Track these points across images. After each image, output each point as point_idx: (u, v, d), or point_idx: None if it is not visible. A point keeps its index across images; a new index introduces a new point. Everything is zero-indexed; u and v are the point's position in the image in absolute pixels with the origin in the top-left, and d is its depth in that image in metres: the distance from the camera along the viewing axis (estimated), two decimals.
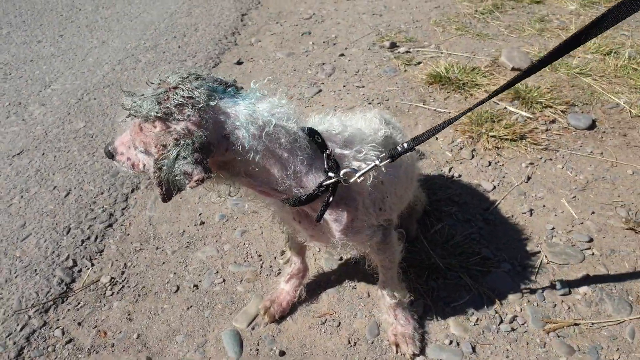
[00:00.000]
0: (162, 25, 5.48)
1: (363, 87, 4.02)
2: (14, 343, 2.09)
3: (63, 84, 4.26)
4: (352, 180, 1.46)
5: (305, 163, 1.44)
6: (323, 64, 4.45)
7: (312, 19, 5.50)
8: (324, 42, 4.89)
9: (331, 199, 1.47)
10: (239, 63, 4.58)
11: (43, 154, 3.32)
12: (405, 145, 1.52)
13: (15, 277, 2.39)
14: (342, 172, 1.44)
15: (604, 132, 3.32)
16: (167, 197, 1.32)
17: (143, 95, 1.29)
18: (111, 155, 1.51)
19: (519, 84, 3.72)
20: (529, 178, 2.94)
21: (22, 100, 4.03)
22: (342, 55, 4.59)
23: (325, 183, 1.44)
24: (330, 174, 1.43)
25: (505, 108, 3.57)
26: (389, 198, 1.74)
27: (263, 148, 1.35)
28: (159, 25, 5.46)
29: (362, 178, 1.48)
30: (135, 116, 1.31)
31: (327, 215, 1.57)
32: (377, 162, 1.48)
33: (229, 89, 1.38)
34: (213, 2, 6.15)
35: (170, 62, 4.62)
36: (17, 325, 2.16)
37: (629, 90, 3.72)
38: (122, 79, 4.33)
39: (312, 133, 1.46)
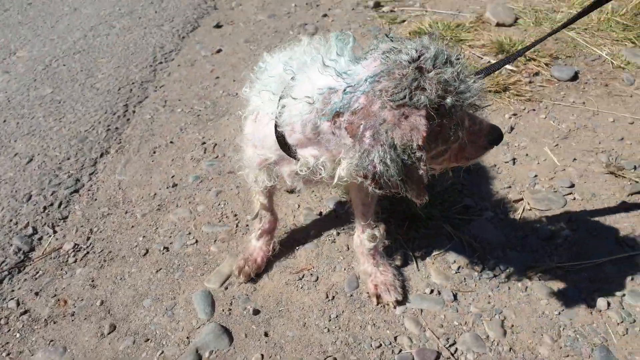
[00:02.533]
0: None
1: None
2: None
3: (30, 51, 4.06)
4: None
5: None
6: (305, 24, 4.29)
7: None
8: (306, 3, 4.72)
9: None
10: (218, 26, 4.40)
11: (4, 120, 3.15)
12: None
13: None
14: None
15: (587, 83, 3.25)
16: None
17: (424, 78, 1.17)
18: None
19: (502, 38, 3.63)
20: (512, 128, 2.86)
21: None
22: (325, 15, 4.43)
23: None
24: None
25: (489, 62, 3.47)
26: None
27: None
28: None
29: None
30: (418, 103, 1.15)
31: None
32: None
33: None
34: None
35: (146, 28, 4.42)
36: None
37: (611, 42, 3.65)
38: (95, 45, 4.14)
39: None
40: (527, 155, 2.66)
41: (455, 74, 1.18)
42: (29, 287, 2.08)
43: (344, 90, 1.22)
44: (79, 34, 4.35)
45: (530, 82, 3.29)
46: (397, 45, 1.25)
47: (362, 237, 1.94)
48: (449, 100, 1.16)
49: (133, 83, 3.58)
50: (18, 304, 2.00)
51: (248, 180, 1.81)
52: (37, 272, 2.14)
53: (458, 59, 1.22)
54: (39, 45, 4.17)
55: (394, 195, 1.27)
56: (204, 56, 3.95)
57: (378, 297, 1.90)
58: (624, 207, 2.26)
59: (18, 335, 1.88)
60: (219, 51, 3.96)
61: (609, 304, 1.83)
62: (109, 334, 1.86)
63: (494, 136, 1.39)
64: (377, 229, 1.91)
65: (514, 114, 2.98)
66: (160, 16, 4.62)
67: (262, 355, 1.74)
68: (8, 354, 1.81)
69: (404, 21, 4.22)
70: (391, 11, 4.44)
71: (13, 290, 2.06)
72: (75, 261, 2.19)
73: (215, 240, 2.26)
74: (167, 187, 2.60)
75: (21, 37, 4.33)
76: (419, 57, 1.19)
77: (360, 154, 1.19)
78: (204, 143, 2.93)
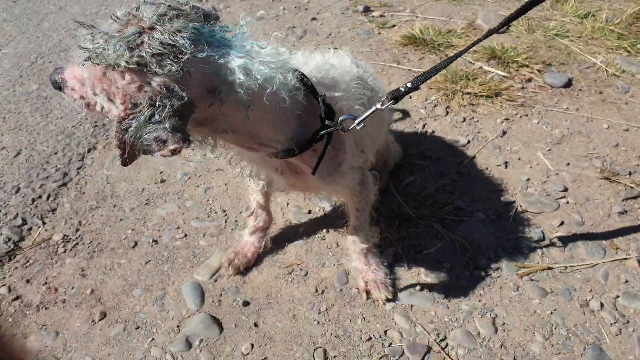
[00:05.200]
0: None
1: (335, 49, 3.87)
2: None
3: (15, 48, 4.02)
4: (351, 127, 1.36)
5: (301, 114, 1.32)
6: (294, 27, 4.29)
7: None
8: (295, 7, 4.73)
9: (327, 148, 1.38)
10: None
11: None
12: (409, 84, 1.42)
13: None
14: (340, 118, 1.34)
15: (580, 89, 3.27)
16: (128, 160, 1.08)
17: (108, 35, 1.02)
18: (58, 87, 1.21)
19: (494, 44, 3.66)
20: (504, 133, 2.87)
21: None
22: (314, 19, 4.44)
23: (322, 133, 1.33)
24: (328, 122, 1.32)
25: (481, 68, 3.49)
26: (366, 138, 1.67)
27: (258, 104, 1.15)
28: None
29: (363, 125, 1.38)
30: (96, 63, 1.02)
31: (313, 164, 1.46)
32: (379, 106, 1.38)
33: (216, 30, 1.13)
34: None
35: None
36: None
37: (605, 50, 3.68)
38: None
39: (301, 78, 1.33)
40: (519, 159, 2.66)
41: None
42: (20, 274, 2.06)
43: None
44: (64, 32, 4.33)
45: (522, 88, 3.30)
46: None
47: (354, 237, 1.92)
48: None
49: None
50: (10, 290, 1.99)
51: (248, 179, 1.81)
52: (28, 261, 2.12)
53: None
54: (24, 42, 4.14)
55: None
56: None
57: (368, 292, 1.88)
58: (618, 212, 2.26)
59: (11, 319, 1.87)
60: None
61: (602, 305, 1.82)
62: (99, 320, 1.85)
63: None
64: (370, 232, 1.91)
65: (506, 119, 2.98)
66: None
67: (252, 345, 1.71)
68: (1, 337, 1.79)
69: (394, 26, 4.23)
70: (381, 16, 4.45)
71: (4, 277, 2.04)
72: (64, 251, 2.16)
73: (204, 235, 2.23)
74: (156, 183, 2.57)
75: (6, 34, 4.30)
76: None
77: None
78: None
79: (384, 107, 1.38)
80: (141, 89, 1.02)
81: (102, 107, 1.15)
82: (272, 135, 1.30)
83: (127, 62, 0.99)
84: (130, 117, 1.02)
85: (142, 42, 1.00)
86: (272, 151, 1.37)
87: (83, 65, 1.07)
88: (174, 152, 1.03)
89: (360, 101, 1.55)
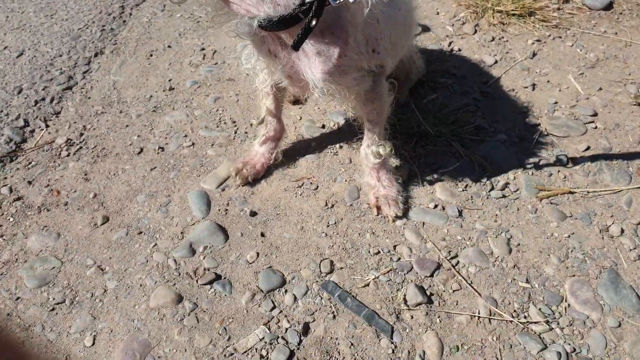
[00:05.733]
0: None
1: None
2: None
3: None
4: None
5: None
6: None
7: None
8: None
9: (314, 22, 1.15)
10: None
11: None
12: None
13: None
14: None
15: (621, 13, 3.01)
16: None
17: None
18: None
19: None
20: (534, 54, 2.67)
21: None
22: None
23: (308, 0, 1.13)
24: None
25: None
26: (383, 40, 1.47)
27: None
28: None
29: None
30: None
31: (309, 47, 1.29)
32: None
33: None
34: None
35: None
36: None
37: None
38: None
39: None
40: (548, 82, 2.49)
41: None
42: (21, 176, 2.01)
43: None
44: None
45: (559, 9, 3.04)
46: None
47: (367, 151, 1.82)
48: None
49: None
50: (11, 190, 1.94)
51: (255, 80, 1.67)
52: (30, 163, 2.06)
53: None
54: None
55: None
56: None
57: (378, 208, 1.81)
58: None
59: (11, 219, 1.84)
60: None
61: (622, 230, 1.74)
62: (102, 224, 1.81)
63: None
64: (382, 147, 1.77)
65: (538, 40, 2.77)
66: None
67: (258, 254, 1.68)
68: (1, 236, 1.77)
69: None
70: None
71: (6, 178, 2.00)
72: (68, 155, 2.10)
73: (212, 145, 2.15)
74: (164, 90, 2.46)
75: None
76: None
77: None
78: (203, 49, 2.76)
79: None
80: None
81: None
82: None
83: None
84: None
85: None
86: (253, 12, 1.20)
87: None
88: None
89: None
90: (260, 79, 1.80)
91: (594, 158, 2.05)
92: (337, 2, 1.14)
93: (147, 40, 2.82)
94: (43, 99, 2.36)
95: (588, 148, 2.09)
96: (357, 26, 1.32)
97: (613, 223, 1.76)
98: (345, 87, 1.46)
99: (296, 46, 1.22)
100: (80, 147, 2.14)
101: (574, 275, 1.59)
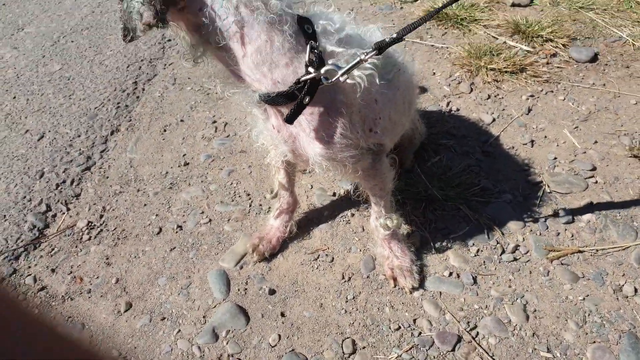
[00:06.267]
0: None
1: (358, 25, 3.79)
2: None
3: (37, 27, 3.99)
4: (334, 79, 1.26)
5: (286, 53, 1.25)
6: (314, 1, 4.17)
7: None
8: None
9: (307, 99, 1.27)
10: None
11: (14, 97, 3.10)
12: (394, 35, 1.33)
13: None
14: (323, 69, 1.24)
15: (607, 64, 3.15)
16: (123, 35, 1.21)
17: None
18: None
19: (518, 18, 3.54)
20: (529, 110, 2.79)
21: None
22: None
23: (302, 79, 1.25)
24: (310, 69, 1.24)
25: (505, 42, 3.38)
26: (381, 120, 1.57)
27: (237, 20, 1.20)
28: None
29: (347, 78, 1.28)
30: None
31: (307, 123, 1.39)
32: (363, 56, 1.27)
33: None
34: None
35: None
36: None
37: (631, 23, 3.53)
38: (102, 22, 4.06)
39: (302, 22, 1.27)
40: (545, 137, 2.59)
41: None
42: (45, 263, 2.06)
43: None
44: (86, 10, 4.28)
45: (547, 63, 3.19)
46: None
47: (375, 223, 1.88)
48: None
49: (142, 60, 3.51)
50: (35, 280, 2.00)
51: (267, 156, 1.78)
52: (53, 249, 2.13)
53: None
54: (46, 22, 4.10)
55: None
56: None
57: (395, 279, 1.87)
58: None
59: (37, 311, 1.86)
60: None
61: (635, 290, 1.78)
62: (125, 311, 1.85)
63: None
64: (389, 219, 1.82)
65: (531, 95, 2.90)
66: None
67: (279, 336, 1.72)
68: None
69: (416, 0, 4.11)
70: None
71: (30, 267, 2.05)
72: (89, 239, 2.17)
73: (228, 220, 2.22)
74: (179, 166, 2.56)
75: (28, 13, 4.26)
76: None
77: None
78: (215, 122, 2.88)
79: (367, 57, 1.28)
80: None
81: None
82: (254, 66, 1.28)
83: None
84: None
85: None
86: (255, 87, 1.33)
87: None
88: (146, 26, 1.16)
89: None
90: (271, 155, 1.90)
91: (598, 214, 2.12)
92: (329, 81, 1.26)
93: (160, 115, 2.95)
94: (64, 182, 2.46)
95: (591, 204, 2.17)
96: (353, 107, 1.42)
97: (626, 282, 1.81)
98: (342, 165, 1.53)
99: (289, 120, 1.33)
100: (101, 230, 2.21)
101: (594, 342, 1.62)
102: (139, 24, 1.16)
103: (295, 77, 1.27)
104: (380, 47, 1.29)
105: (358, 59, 1.27)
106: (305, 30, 1.27)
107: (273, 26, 1.23)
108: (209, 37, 1.24)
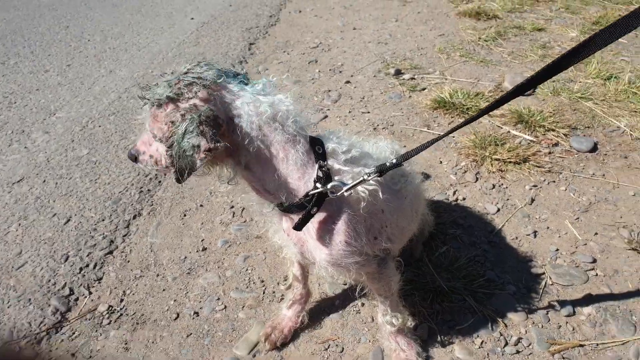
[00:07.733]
0: (169, 54, 5.59)
1: (368, 112, 4.06)
2: None
3: (68, 112, 4.32)
4: (339, 194, 1.44)
5: (299, 169, 1.44)
6: (329, 90, 4.50)
7: (319, 47, 5.60)
8: (330, 69, 4.96)
9: (314, 210, 1.46)
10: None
11: (44, 181, 3.33)
12: (394, 160, 1.52)
13: (8, 307, 2.34)
14: (329, 185, 1.43)
15: (606, 154, 3.32)
16: (180, 176, 1.34)
17: (157, 84, 1.38)
18: (134, 158, 1.52)
19: (521, 107, 3.77)
20: (532, 200, 2.93)
21: (25, 128, 4.07)
22: (348, 82, 4.65)
23: (310, 192, 1.44)
24: (318, 185, 1.43)
25: (509, 132, 3.59)
26: (388, 228, 1.70)
27: (260, 139, 1.39)
28: (166, 54, 5.57)
29: (351, 193, 1.47)
30: (150, 102, 1.37)
31: (314, 231, 1.55)
32: (365, 177, 1.46)
33: (240, 76, 1.45)
34: (221, 32, 6.28)
35: None
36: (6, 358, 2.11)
37: (629, 113, 3.75)
38: (128, 107, 4.39)
39: (314, 143, 1.47)
40: (547, 228, 2.71)
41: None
42: (65, 347, 2.16)
43: None
44: (113, 95, 4.62)
45: (549, 152, 3.37)
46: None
47: (382, 320, 1.97)
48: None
49: None
50: None
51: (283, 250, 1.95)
52: (73, 333, 2.23)
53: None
54: (76, 106, 4.42)
55: None
56: None
57: None
58: None
59: None
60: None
61: None
62: None
63: None
64: (395, 317, 1.91)
65: (534, 185, 3.05)
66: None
67: None
68: None
69: (424, 89, 4.40)
70: (411, 79, 4.63)
71: (51, 351, 2.14)
72: (109, 323, 2.27)
73: (243, 307, 2.32)
74: (197, 251, 2.70)
75: (60, 98, 4.60)
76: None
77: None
78: (232, 207, 3.05)
79: (369, 178, 1.46)
80: (177, 110, 1.32)
81: (159, 151, 1.44)
82: (272, 181, 1.46)
83: (168, 94, 1.32)
84: (172, 133, 1.32)
85: (179, 81, 1.34)
86: (273, 199, 1.53)
87: (142, 118, 1.43)
88: (208, 152, 1.28)
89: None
90: (285, 251, 2.04)
91: (598, 308, 2.18)
92: (335, 195, 1.45)
93: (180, 200, 3.14)
94: (87, 265, 2.60)
95: (592, 297, 2.24)
96: (357, 217, 1.56)
97: None
98: (346, 270, 1.65)
99: (297, 227, 1.50)
100: (121, 315, 2.32)
101: None
102: (197, 157, 1.28)
103: (306, 189, 1.46)
104: (382, 170, 1.48)
105: (361, 178, 1.46)
106: (316, 150, 1.46)
107: (288, 144, 1.43)
108: (239, 157, 1.43)
